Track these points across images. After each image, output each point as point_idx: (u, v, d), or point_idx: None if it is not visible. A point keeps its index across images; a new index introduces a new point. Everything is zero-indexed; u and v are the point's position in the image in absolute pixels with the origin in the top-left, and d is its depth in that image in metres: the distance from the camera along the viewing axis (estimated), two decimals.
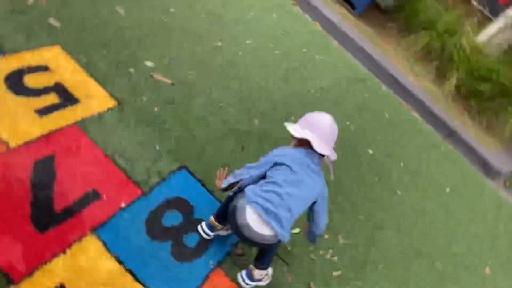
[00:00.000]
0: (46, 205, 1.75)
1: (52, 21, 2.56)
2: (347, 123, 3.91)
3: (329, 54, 4.74)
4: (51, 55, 2.36)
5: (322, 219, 2.00)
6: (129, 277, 1.76)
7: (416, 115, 5.04)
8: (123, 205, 2.00)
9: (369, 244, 2.79)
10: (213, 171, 2.32)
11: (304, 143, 1.89)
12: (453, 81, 5.45)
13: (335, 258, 2.50)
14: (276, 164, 1.87)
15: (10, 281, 1.52)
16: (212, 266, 2.05)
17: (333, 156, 1.89)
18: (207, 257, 2.05)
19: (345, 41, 5.14)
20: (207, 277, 1.99)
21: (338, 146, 3.28)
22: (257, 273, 2.00)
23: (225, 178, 2.07)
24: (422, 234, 3.27)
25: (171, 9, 3.37)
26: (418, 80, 5.48)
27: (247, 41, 3.77)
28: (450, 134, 5.09)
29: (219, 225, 2.08)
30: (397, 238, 3.03)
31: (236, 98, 3.07)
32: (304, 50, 4.40)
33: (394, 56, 5.60)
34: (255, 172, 1.91)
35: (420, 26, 5.78)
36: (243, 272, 2.05)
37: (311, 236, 2.12)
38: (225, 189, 2.05)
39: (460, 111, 5.54)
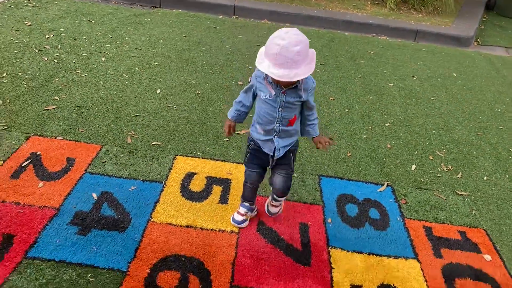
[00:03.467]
0: None
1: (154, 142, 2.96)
2: (358, 76, 4.57)
3: None
4: (183, 164, 2.76)
5: None
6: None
7: (384, 38, 5.81)
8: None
9: None
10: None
11: None
12: None
13: None
14: None
15: None
16: (400, 220, 2.60)
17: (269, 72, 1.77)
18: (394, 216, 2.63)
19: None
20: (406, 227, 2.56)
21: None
22: None
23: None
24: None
25: None
26: (364, 11, 6.26)
27: None
28: (416, 34, 5.92)
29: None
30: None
31: None
32: None
33: (331, 5, 6.33)
34: None
35: None
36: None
37: None
38: None
39: (407, 14, 6.40)
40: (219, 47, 4.72)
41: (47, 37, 4.25)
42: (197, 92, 3.72)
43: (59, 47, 4.09)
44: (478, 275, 2.28)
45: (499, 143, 3.63)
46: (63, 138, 2.86)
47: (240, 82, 4.00)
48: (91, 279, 1.95)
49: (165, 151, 2.89)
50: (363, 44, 5.47)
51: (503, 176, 3.19)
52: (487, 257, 2.41)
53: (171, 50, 4.45)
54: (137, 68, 3.95)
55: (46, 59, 3.84)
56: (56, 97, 3.30)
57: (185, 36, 4.86)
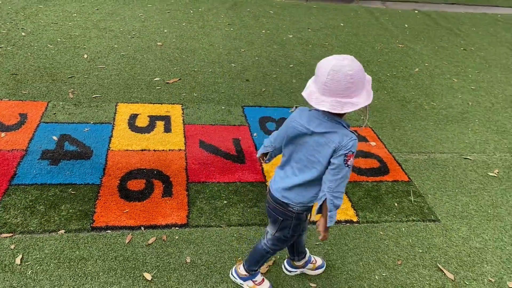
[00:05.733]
0: None
1: None
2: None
3: None
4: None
5: (324, 188, 1.56)
6: None
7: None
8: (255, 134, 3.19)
9: None
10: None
11: None
12: None
13: None
14: None
15: None
16: None
17: (337, 108, 1.43)
18: None
19: None
20: None
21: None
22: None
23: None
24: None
25: None
26: None
27: None
28: None
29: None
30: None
31: None
32: None
33: None
34: None
35: None
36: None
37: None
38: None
39: None
40: (132, 16, 5.14)
41: None
42: (122, 53, 4.16)
43: None
44: (367, 155, 3.14)
45: (379, 71, 4.59)
46: (9, 100, 3.19)
47: (159, 43, 4.50)
48: (72, 192, 2.43)
49: (106, 101, 3.36)
50: (262, 5, 6.20)
51: (382, 93, 4.13)
52: (373, 143, 3.28)
53: (87, 21, 4.79)
54: (59, 39, 4.27)
55: None
56: None
57: (97, 9, 5.19)
